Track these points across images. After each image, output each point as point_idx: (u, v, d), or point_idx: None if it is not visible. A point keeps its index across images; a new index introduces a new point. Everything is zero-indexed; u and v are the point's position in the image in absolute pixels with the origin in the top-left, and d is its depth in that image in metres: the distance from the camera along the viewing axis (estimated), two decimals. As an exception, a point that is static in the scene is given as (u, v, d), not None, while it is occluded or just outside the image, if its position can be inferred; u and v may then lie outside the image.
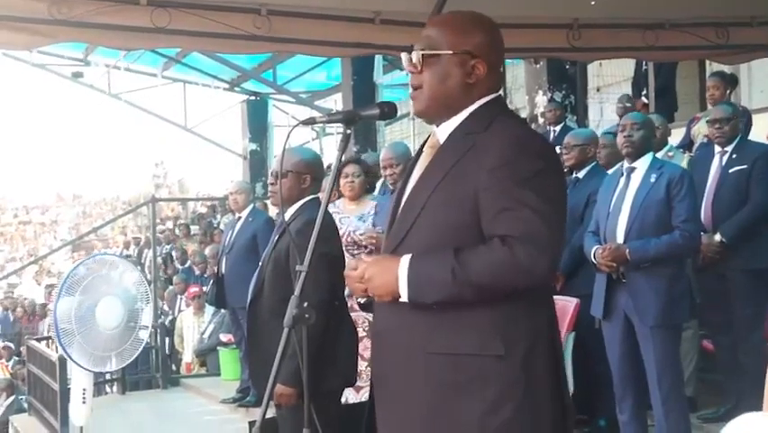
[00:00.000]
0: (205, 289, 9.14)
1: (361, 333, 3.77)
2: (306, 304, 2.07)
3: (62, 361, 5.98)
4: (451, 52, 2.08)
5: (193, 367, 9.33)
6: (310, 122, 2.40)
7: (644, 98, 8.81)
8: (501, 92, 2.21)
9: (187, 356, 9.43)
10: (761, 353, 4.46)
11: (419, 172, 2.13)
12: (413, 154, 2.29)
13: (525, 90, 10.11)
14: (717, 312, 4.81)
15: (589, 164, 5.05)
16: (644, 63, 9.15)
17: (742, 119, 5.03)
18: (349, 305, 3.41)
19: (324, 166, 4.06)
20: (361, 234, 4.78)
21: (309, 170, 3.45)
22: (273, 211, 8.33)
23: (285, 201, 3.40)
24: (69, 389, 5.00)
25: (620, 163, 4.44)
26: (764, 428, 1.56)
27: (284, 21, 5.36)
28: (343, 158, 2.43)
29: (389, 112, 2.22)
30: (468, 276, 1.94)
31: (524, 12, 5.61)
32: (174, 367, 9.50)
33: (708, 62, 8.64)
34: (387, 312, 2.09)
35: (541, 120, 8.91)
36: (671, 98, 9.05)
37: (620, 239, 4.12)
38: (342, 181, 4.96)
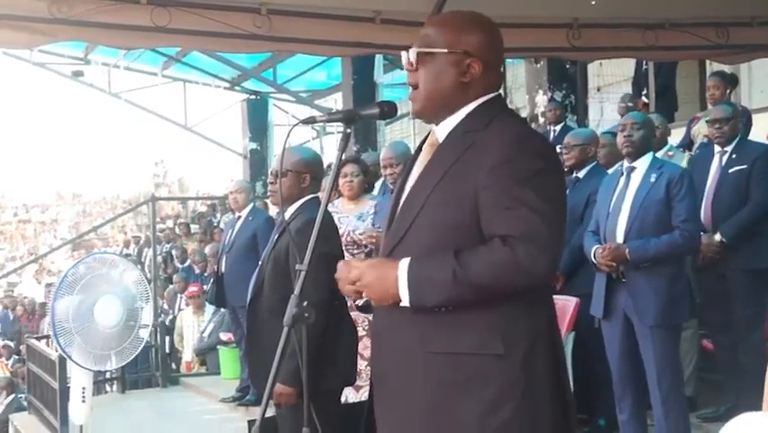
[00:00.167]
0: (205, 288, 9.14)
1: (360, 332, 3.77)
2: (305, 303, 2.07)
3: (62, 360, 5.98)
4: (445, 51, 2.08)
5: (193, 366, 9.33)
6: (310, 121, 2.40)
7: (644, 98, 8.81)
8: (501, 91, 2.21)
9: (187, 355, 9.43)
10: (761, 352, 4.46)
11: (418, 171, 2.13)
12: (413, 154, 2.29)
13: (525, 90, 10.10)
14: (717, 312, 4.81)
15: (589, 164, 5.05)
16: (644, 63, 9.15)
17: (742, 119, 5.03)
18: (349, 304, 3.41)
19: (325, 165, 4.06)
20: (360, 234, 4.78)
21: (309, 170, 3.45)
22: (273, 210, 8.33)
23: (285, 200, 3.40)
24: (69, 387, 5.00)
25: (620, 163, 4.44)
26: (764, 428, 1.56)
27: (284, 20, 5.36)
28: (343, 157, 2.43)
29: (389, 111, 2.22)
30: (469, 277, 1.93)
31: (524, 11, 5.62)
32: (174, 366, 9.50)
33: (708, 62, 8.64)
34: (386, 311, 2.09)
35: (541, 119, 8.91)
36: (671, 98, 9.05)
37: (620, 239, 4.12)
38: (340, 181, 4.96)
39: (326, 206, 2.23)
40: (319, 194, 3.52)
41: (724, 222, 4.68)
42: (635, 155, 4.21)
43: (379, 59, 11.31)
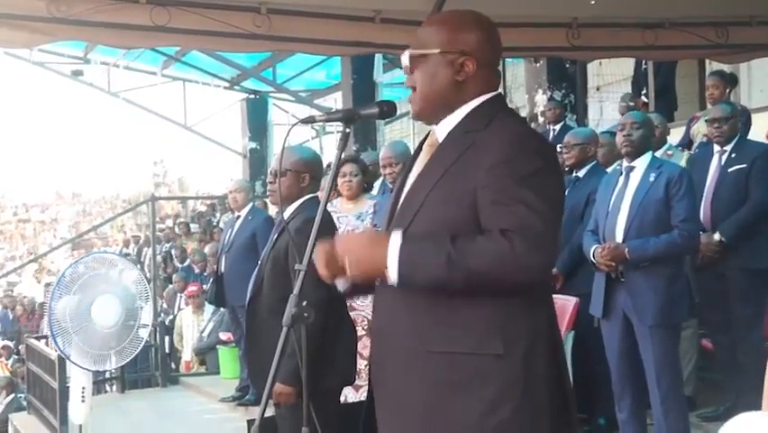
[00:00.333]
0: (204, 287, 9.14)
1: (360, 331, 3.77)
2: (304, 303, 2.07)
3: (61, 359, 5.98)
4: (437, 51, 2.08)
5: (192, 366, 9.33)
6: (309, 120, 2.40)
7: (643, 97, 8.81)
8: (500, 90, 2.21)
9: (187, 355, 9.43)
10: (760, 352, 4.46)
11: (418, 170, 2.13)
12: (412, 153, 2.29)
13: (524, 89, 10.10)
14: (717, 311, 4.81)
15: (589, 163, 5.05)
16: (643, 62, 9.15)
17: (741, 118, 5.03)
18: (348, 304, 3.41)
19: (324, 165, 4.06)
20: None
21: (308, 169, 3.44)
22: (273, 210, 8.34)
23: (284, 200, 3.40)
24: (68, 387, 5.00)
25: (618, 162, 4.44)
26: (763, 428, 1.56)
27: (284, 19, 5.37)
28: (342, 156, 2.43)
29: (388, 111, 2.22)
30: (464, 261, 1.91)
31: (523, 11, 5.62)
32: (173, 366, 9.50)
33: (707, 61, 8.64)
34: (385, 310, 2.09)
35: (541, 119, 8.91)
36: (670, 97, 9.05)
37: (619, 238, 4.12)
38: (339, 181, 4.96)
39: (325, 205, 2.23)
40: (318, 193, 3.52)
41: (723, 221, 4.68)
42: (635, 155, 4.21)
43: (378, 58, 11.30)
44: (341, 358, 3.29)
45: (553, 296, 2.21)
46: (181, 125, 16.55)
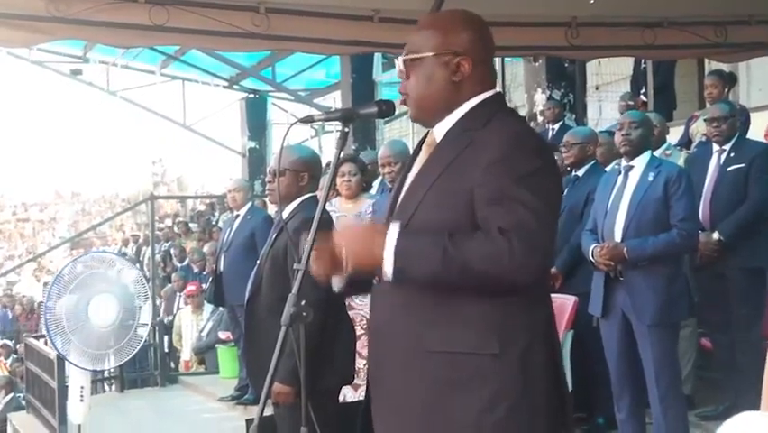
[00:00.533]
0: (203, 286, 9.14)
1: (359, 331, 3.77)
2: (303, 302, 2.06)
3: (60, 359, 5.98)
4: (432, 54, 2.07)
5: (191, 365, 9.33)
6: (308, 120, 2.39)
7: (642, 97, 8.81)
8: (500, 89, 2.20)
9: (186, 354, 9.43)
10: (759, 351, 4.44)
11: (417, 169, 2.13)
12: (411, 152, 2.29)
13: (523, 88, 10.10)
14: (716, 310, 4.81)
15: (588, 162, 5.05)
16: (642, 62, 9.15)
17: (740, 117, 5.03)
18: (347, 303, 3.41)
19: (324, 164, 4.05)
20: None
21: (307, 168, 3.44)
22: (272, 209, 8.33)
23: (283, 199, 3.39)
24: (67, 387, 5.00)
25: (616, 161, 4.44)
26: (762, 427, 1.56)
27: (282, 18, 5.36)
28: (341, 156, 2.43)
29: (387, 110, 2.22)
30: (461, 257, 1.90)
31: (522, 10, 5.62)
32: (172, 365, 9.50)
33: (706, 61, 8.63)
34: (383, 309, 2.09)
35: (540, 118, 8.91)
36: (669, 97, 9.05)
37: (618, 237, 4.12)
38: (338, 180, 4.96)
39: (324, 204, 2.22)
40: (317, 193, 3.52)
41: (722, 220, 4.68)
42: (633, 154, 4.20)
43: (377, 57, 11.30)
44: (339, 357, 3.29)
45: (553, 295, 2.21)
46: (180, 124, 16.55)
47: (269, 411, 3.21)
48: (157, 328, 8.58)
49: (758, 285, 4.70)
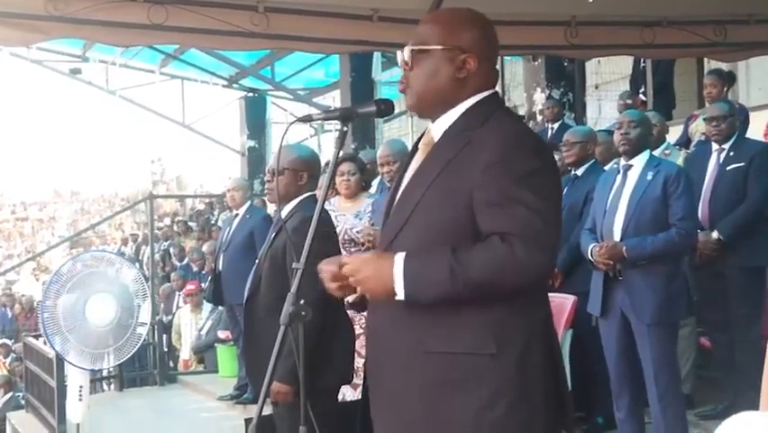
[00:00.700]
0: (203, 285, 9.14)
1: (358, 330, 3.76)
2: (302, 301, 2.07)
3: (59, 358, 5.98)
4: (440, 47, 2.07)
5: (190, 364, 9.33)
6: (307, 119, 2.39)
7: (642, 96, 8.81)
8: (498, 89, 2.20)
9: (185, 353, 9.43)
10: (758, 350, 4.43)
11: (414, 169, 2.13)
12: (409, 152, 2.29)
13: (523, 87, 10.10)
14: (715, 310, 4.81)
15: (588, 162, 5.05)
16: (642, 61, 9.14)
17: (739, 117, 5.03)
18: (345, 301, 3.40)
19: (323, 163, 4.05)
20: (358, 232, 4.78)
21: (306, 168, 3.44)
22: (271, 208, 8.33)
23: (282, 198, 3.39)
24: (66, 386, 5.00)
25: (615, 160, 4.43)
26: (760, 427, 1.55)
27: (281, 17, 5.36)
28: (340, 155, 2.42)
29: (386, 109, 2.22)
30: (467, 274, 1.92)
31: (522, 9, 5.62)
32: (171, 364, 9.50)
33: (706, 60, 8.63)
34: (381, 310, 2.09)
35: (539, 117, 8.91)
36: (669, 96, 9.05)
37: (617, 237, 4.12)
38: (337, 179, 4.96)
39: (323, 204, 2.22)
40: (316, 192, 3.52)
41: (721, 219, 4.67)
42: (632, 153, 4.20)
43: (376, 56, 11.30)
44: (338, 357, 3.29)
45: (552, 294, 2.22)
46: (179, 123, 16.55)
47: (268, 410, 3.21)
48: (156, 327, 8.58)
49: (757, 284, 4.70)
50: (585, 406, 4.72)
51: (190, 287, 9.53)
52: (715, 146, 4.87)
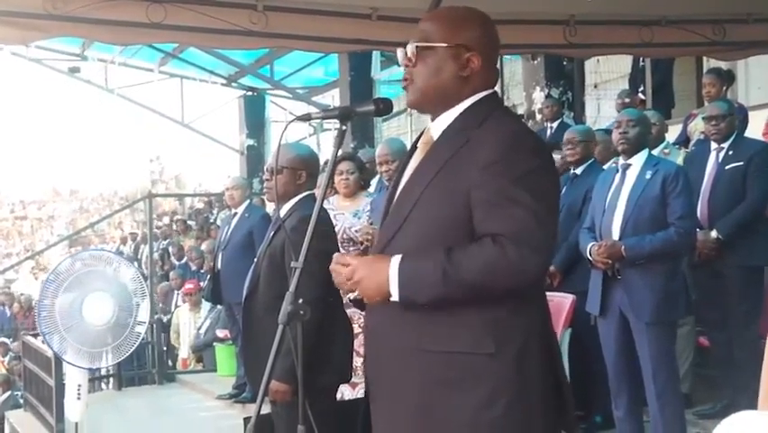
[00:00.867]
0: (202, 284, 9.14)
1: (356, 329, 3.76)
2: (301, 300, 2.06)
3: (57, 357, 5.97)
4: (445, 45, 2.08)
5: (189, 363, 9.33)
6: (305, 118, 2.39)
7: (640, 95, 8.81)
8: (497, 88, 2.21)
9: (184, 352, 9.43)
10: (756, 349, 4.44)
11: (413, 168, 2.13)
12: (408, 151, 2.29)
13: (522, 86, 10.10)
14: (714, 309, 4.81)
15: (587, 160, 5.04)
16: (641, 60, 9.14)
17: (738, 116, 5.03)
18: (344, 301, 3.40)
19: (322, 162, 4.05)
20: (356, 231, 4.78)
21: (305, 167, 3.43)
22: (270, 207, 8.33)
23: (280, 197, 3.39)
24: (65, 385, 4.99)
25: (614, 159, 4.43)
26: (759, 426, 1.55)
27: (280, 16, 5.36)
28: (339, 154, 2.42)
29: (385, 108, 2.21)
30: (460, 276, 1.93)
31: (521, 8, 5.62)
32: (170, 363, 9.50)
33: (705, 59, 8.64)
34: (379, 309, 2.08)
35: (538, 116, 8.91)
36: (668, 95, 9.05)
37: (615, 236, 4.12)
38: (336, 178, 4.95)
39: (322, 203, 2.22)
40: (315, 191, 3.51)
41: (720, 219, 4.67)
42: (631, 152, 4.20)
43: (376, 55, 11.31)
44: (337, 356, 3.28)
45: (551, 293, 2.22)
46: (178, 122, 16.56)
47: (266, 409, 3.20)
48: (155, 326, 8.58)
49: (756, 283, 4.71)
50: (584, 405, 4.73)
51: (189, 286, 9.53)
52: (714, 145, 4.87)
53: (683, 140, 6.62)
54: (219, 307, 7.85)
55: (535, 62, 9.12)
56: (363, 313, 2.22)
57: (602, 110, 11.43)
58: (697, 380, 5.21)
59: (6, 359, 12.95)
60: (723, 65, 6.81)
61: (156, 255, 12.41)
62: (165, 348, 9.17)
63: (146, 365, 9.07)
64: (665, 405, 4.02)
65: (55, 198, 39.30)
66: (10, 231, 34.72)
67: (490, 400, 1.95)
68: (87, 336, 4.47)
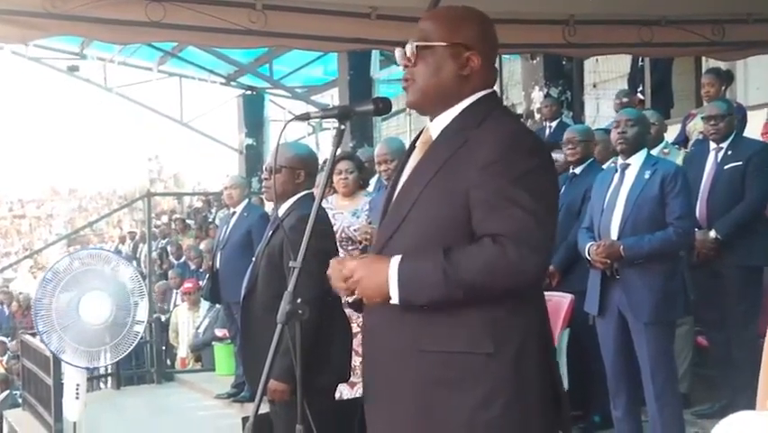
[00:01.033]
0: (200, 284, 9.13)
1: (355, 328, 3.76)
2: (299, 300, 2.06)
3: (56, 356, 5.97)
4: (444, 44, 2.08)
5: (188, 362, 9.33)
6: (304, 117, 2.39)
7: (639, 95, 8.81)
8: (496, 87, 2.21)
9: (182, 351, 9.43)
10: (755, 349, 4.44)
11: (411, 167, 2.13)
12: (406, 150, 2.29)
13: (521, 86, 10.10)
14: (712, 308, 4.81)
15: (586, 160, 5.04)
16: (640, 59, 9.15)
17: (737, 116, 5.03)
18: (342, 300, 3.40)
19: (321, 161, 4.04)
20: (355, 230, 4.77)
21: (303, 166, 3.43)
22: (269, 206, 8.32)
23: (279, 196, 3.38)
24: (63, 384, 4.99)
25: (613, 159, 4.43)
26: (758, 426, 1.56)
27: (279, 15, 5.36)
28: (338, 153, 2.42)
29: (384, 108, 2.21)
30: (459, 277, 1.93)
31: (520, 8, 5.63)
32: (169, 362, 9.50)
33: (704, 58, 8.64)
34: (377, 310, 2.08)
35: (537, 116, 8.91)
36: (667, 95, 9.05)
37: (614, 236, 4.12)
38: (335, 178, 4.95)
39: (320, 202, 2.22)
40: (314, 190, 3.51)
41: (719, 219, 4.68)
42: (629, 152, 4.20)
43: (375, 54, 11.30)
44: (335, 355, 3.28)
45: (549, 293, 2.22)
46: (177, 121, 16.55)
47: (265, 409, 3.20)
48: (153, 325, 8.57)
49: (755, 283, 4.71)
50: (582, 405, 4.73)
51: (188, 285, 9.53)
52: (713, 145, 4.87)
53: (682, 140, 6.62)
54: (218, 306, 7.84)
55: (534, 62, 9.12)
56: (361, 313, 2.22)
57: (601, 110, 11.43)
58: (695, 380, 5.21)
59: (5, 358, 12.93)
60: (722, 65, 6.82)
61: (155, 254, 12.40)
62: (163, 347, 9.16)
63: (144, 364, 9.06)
64: (664, 405, 4.02)
65: (53, 197, 39.27)
66: (8, 230, 34.71)
67: (488, 400, 1.95)
68: (85, 335, 4.46)
